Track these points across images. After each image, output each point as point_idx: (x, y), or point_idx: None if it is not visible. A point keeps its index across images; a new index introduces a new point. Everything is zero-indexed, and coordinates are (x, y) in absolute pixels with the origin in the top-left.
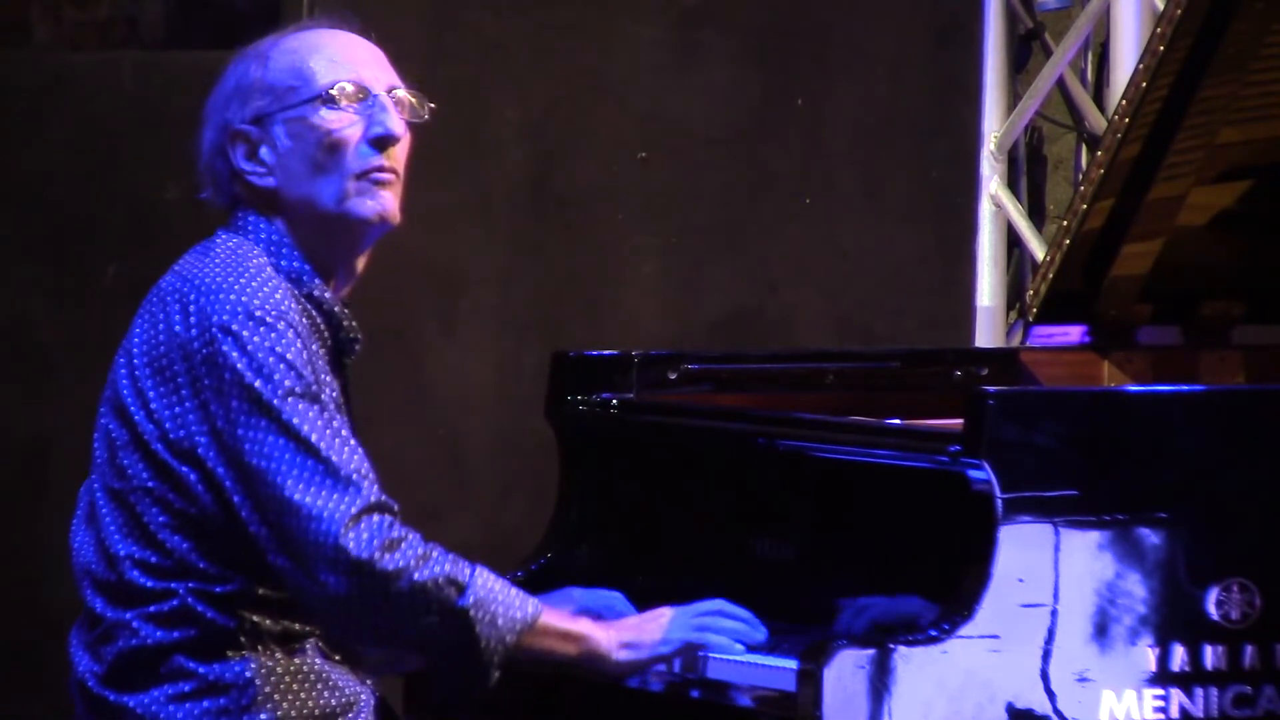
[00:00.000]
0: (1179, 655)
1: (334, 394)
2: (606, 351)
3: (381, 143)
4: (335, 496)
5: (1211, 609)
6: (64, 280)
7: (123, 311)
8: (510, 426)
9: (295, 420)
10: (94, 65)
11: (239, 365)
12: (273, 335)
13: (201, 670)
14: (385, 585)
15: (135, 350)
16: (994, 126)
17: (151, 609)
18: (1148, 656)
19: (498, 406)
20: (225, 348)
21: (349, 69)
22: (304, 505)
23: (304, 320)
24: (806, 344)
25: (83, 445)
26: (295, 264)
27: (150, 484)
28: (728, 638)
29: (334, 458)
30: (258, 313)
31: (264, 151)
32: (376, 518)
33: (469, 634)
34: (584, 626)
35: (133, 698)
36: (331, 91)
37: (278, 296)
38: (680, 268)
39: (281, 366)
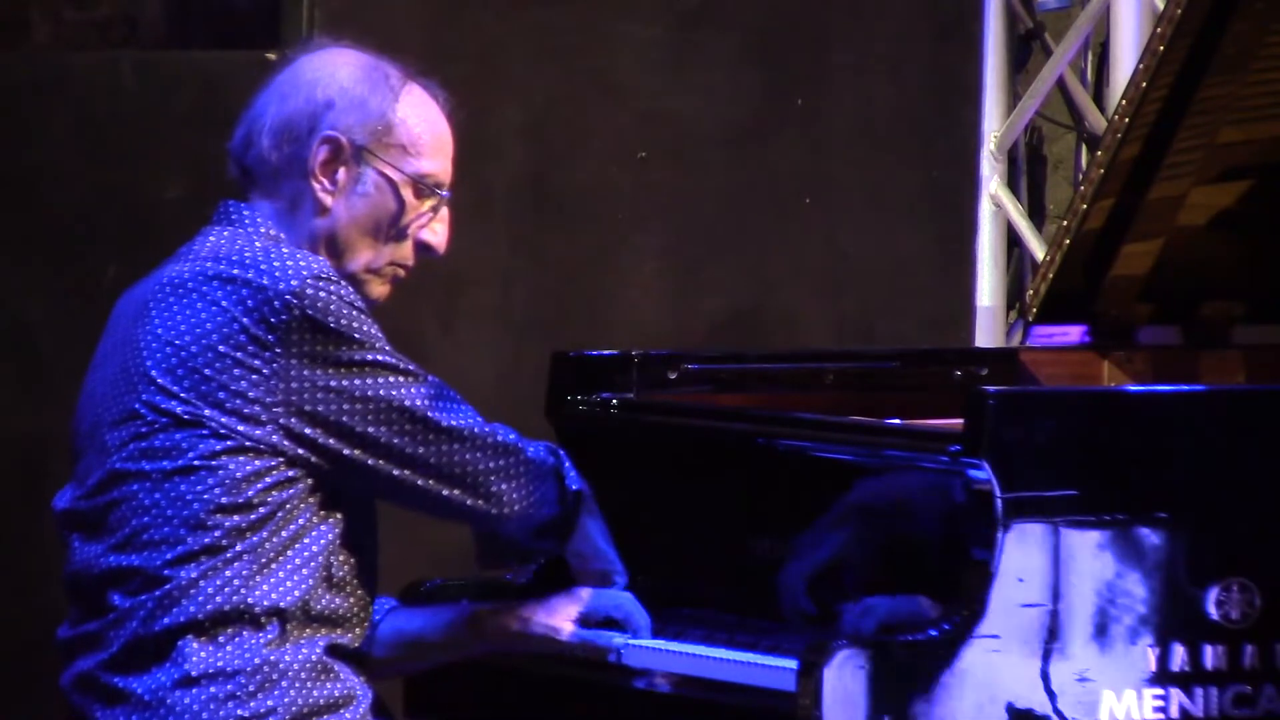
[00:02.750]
0: (1179, 655)
1: None
2: (606, 351)
3: (426, 249)
4: (526, 445)
5: (1211, 609)
6: (64, 280)
7: None
8: (510, 426)
9: (401, 363)
10: (94, 65)
11: (328, 325)
12: (343, 291)
13: (211, 656)
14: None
15: (174, 335)
16: (994, 126)
17: (170, 587)
18: (1148, 656)
19: (498, 406)
20: (300, 313)
21: (444, 166)
22: (496, 477)
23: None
24: (806, 344)
25: None
26: None
27: (197, 462)
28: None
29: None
30: (323, 274)
31: (343, 174)
32: (535, 444)
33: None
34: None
35: (140, 682)
36: (428, 181)
37: (324, 258)
38: (680, 268)
39: (364, 318)
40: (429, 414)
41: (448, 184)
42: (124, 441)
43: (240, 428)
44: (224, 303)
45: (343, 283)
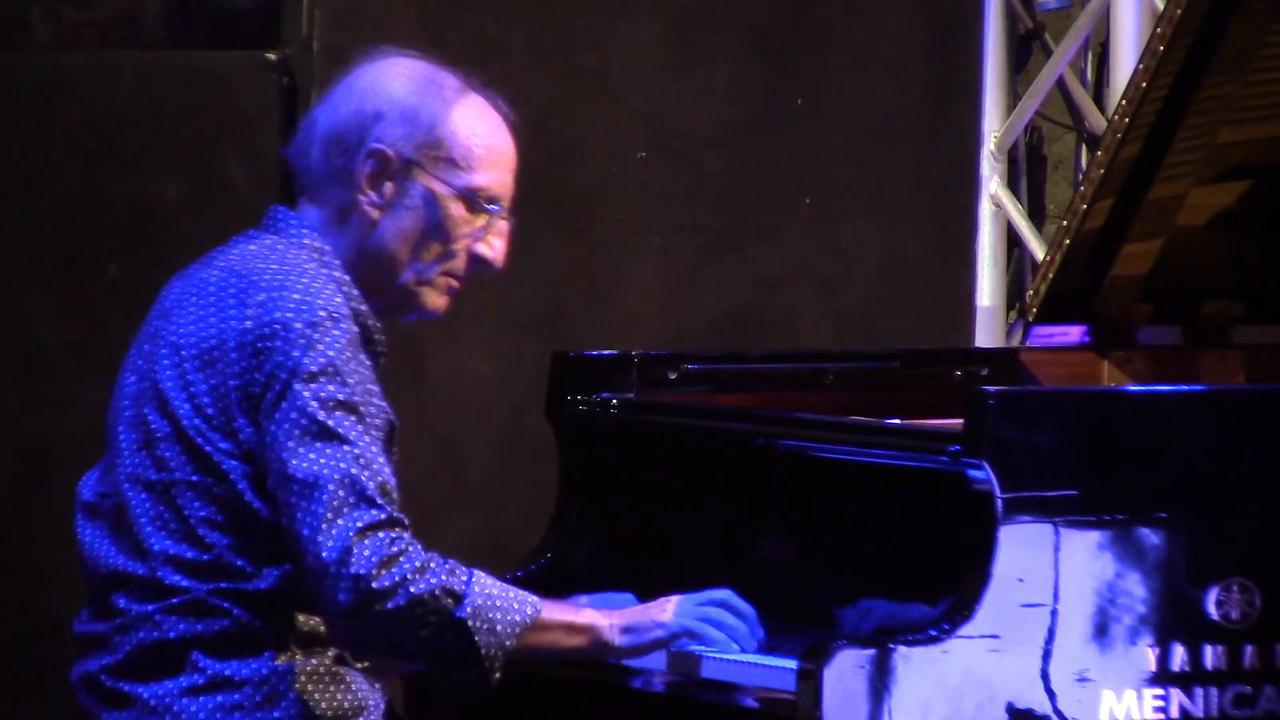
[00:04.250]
0: (1179, 655)
1: (377, 400)
2: (606, 351)
3: (481, 263)
4: (346, 513)
5: (1211, 609)
6: (64, 280)
7: (123, 311)
8: (510, 426)
9: (333, 430)
10: (94, 65)
11: (291, 364)
12: (327, 339)
13: (218, 666)
14: (382, 600)
15: (183, 343)
16: (994, 126)
17: (176, 601)
18: (1148, 656)
19: (498, 406)
20: (279, 343)
21: (500, 180)
22: (315, 517)
23: (356, 327)
24: (806, 344)
25: (83, 445)
26: (339, 274)
27: (194, 477)
28: (725, 635)
29: (359, 475)
30: (320, 313)
31: (389, 187)
32: (382, 534)
33: (468, 643)
34: (585, 616)
35: (147, 689)
36: (480, 197)
37: (338, 300)
38: (680, 268)
39: (330, 371)
40: (312, 504)
41: (506, 199)
42: (135, 447)
43: (220, 440)
44: (232, 319)
45: (337, 332)
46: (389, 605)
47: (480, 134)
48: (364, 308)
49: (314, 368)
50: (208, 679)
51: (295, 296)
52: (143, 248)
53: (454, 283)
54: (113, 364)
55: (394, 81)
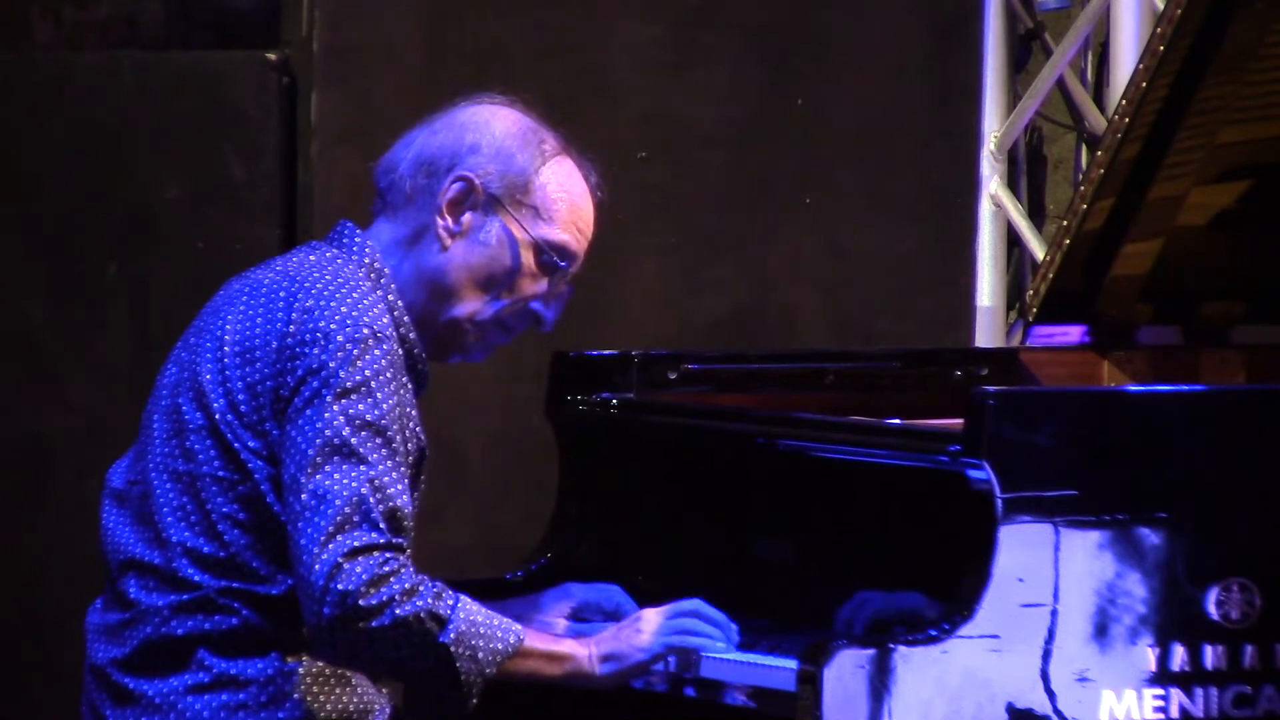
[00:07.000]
0: (1179, 655)
1: (413, 426)
2: (606, 351)
3: (536, 321)
4: (347, 531)
5: (1211, 609)
6: (64, 280)
7: (123, 311)
8: (510, 426)
9: (354, 449)
10: (94, 65)
11: (326, 374)
12: (367, 356)
13: (224, 664)
14: (367, 618)
15: (227, 338)
16: (994, 126)
17: (187, 597)
18: (1148, 656)
19: (497, 406)
20: (317, 350)
21: (574, 241)
22: (317, 530)
23: (401, 350)
24: (806, 344)
25: (82, 445)
26: (393, 297)
27: (220, 472)
28: (706, 639)
29: (369, 497)
30: (364, 330)
31: (469, 217)
32: (376, 554)
33: (448, 668)
34: (566, 646)
35: (151, 685)
36: (554, 255)
37: (385, 320)
38: (680, 268)
39: (363, 389)
40: (312, 516)
41: (575, 262)
42: (166, 435)
43: (249, 438)
44: (278, 322)
45: (378, 352)
46: (373, 624)
47: (566, 192)
48: (412, 335)
49: (349, 383)
50: (213, 677)
51: (343, 309)
52: (143, 248)
53: (504, 339)
54: (113, 364)
55: (498, 123)
